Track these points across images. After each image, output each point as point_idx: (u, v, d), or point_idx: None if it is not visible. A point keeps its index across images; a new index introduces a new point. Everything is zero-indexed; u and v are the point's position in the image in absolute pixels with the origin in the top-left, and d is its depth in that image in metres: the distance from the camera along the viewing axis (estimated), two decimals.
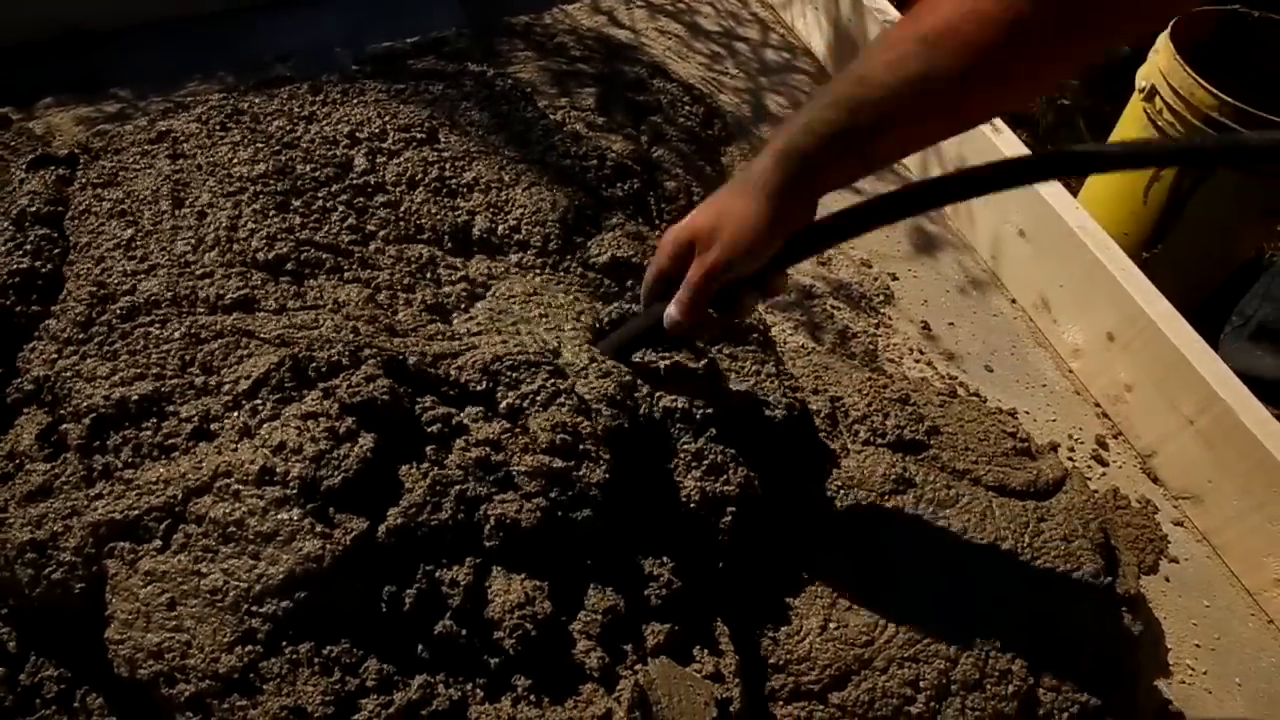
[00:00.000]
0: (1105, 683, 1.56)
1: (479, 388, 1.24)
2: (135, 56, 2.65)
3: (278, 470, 1.06)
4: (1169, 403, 2.03)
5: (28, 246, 1.34)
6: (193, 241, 1.30)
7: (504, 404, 1.23)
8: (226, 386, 1.17)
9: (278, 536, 1.03)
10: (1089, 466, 2.09)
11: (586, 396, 1.26)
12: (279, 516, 1.04)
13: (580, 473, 1.19)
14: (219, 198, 1.35)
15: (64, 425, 1.16)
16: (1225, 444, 1.93)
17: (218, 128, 1.50)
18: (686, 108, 2.43)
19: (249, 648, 1.02)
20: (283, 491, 1.05)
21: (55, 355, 1.20)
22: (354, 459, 1.08)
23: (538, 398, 1.24)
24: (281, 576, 1.02)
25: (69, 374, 1.18)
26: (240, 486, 1.06)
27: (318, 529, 1.04)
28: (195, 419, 1.15)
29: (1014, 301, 2.39)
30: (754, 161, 1.11)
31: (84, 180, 1.46)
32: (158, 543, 1.08)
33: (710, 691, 1.16)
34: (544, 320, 1.40)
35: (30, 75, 2.55)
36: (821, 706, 1.40)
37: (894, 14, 2.70)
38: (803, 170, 1.06)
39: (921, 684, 1.42)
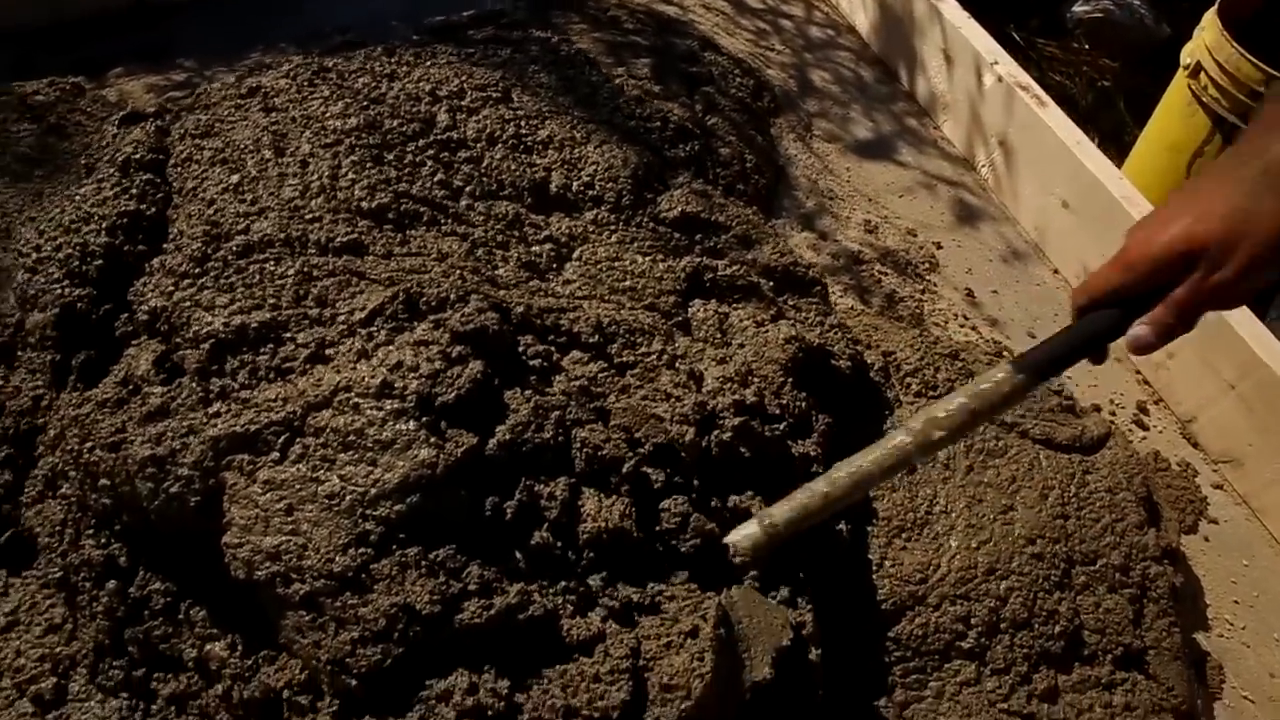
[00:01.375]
0: (1147, 627, 1.62)
1: (591, 340, 1.32)
2: (199, 28, 2.74)
3: (396, 385, 1.13)
4: (1210, 368, 2.08)
5: (133, 190, 1.42)
6: (299, 188, 1.38)
7: (617, 359, 1.31)
8: (341, 318, 1.24)
9: (394, 445, 1.11)
10: (1130, 430, 2.15)
11: (708, 380, 1.34)
12: (397, 427, 1.11)
13: (672, 430, 1.26)
14: (318, 148, 1.43)
15: (181, 352, 1.24)
16: (1266, 408, 1.98)
17: (306, 84, 1.58)
18: (737, 79, 2.49)
19: (362, 549, 1.09)
20: (400, 405, 1.12)
21: (172, 288, 1.28)
22: (465, 379, 1.16)
23: (650, 359, 1.32)
24: (396, 481, 1.10)
25: (187, 304, 1.26)
26: (360, 400, 1.13)
27: (432, 440, 1.11)
28: (312, 345, 1.23)
29: (1056, 272, 2.45)
30: (1258, 146, 0.90)
31: (181, 131, 1.55)
32: (275, 455, 1.15)
33: (786, 616, 1.23)
34: (635, 294, 1.47)
35: (101, 46, 2.65)
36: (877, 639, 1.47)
37: None
38: None
39: (972, 620, 1.49)
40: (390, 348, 1.19)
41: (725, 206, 1.68)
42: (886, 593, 1.48)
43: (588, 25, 2.57)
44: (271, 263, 1.30)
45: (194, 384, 1.22)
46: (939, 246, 2.43)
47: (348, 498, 1.11)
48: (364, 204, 1.41)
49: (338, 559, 1.09)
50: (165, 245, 1.37)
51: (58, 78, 2.42)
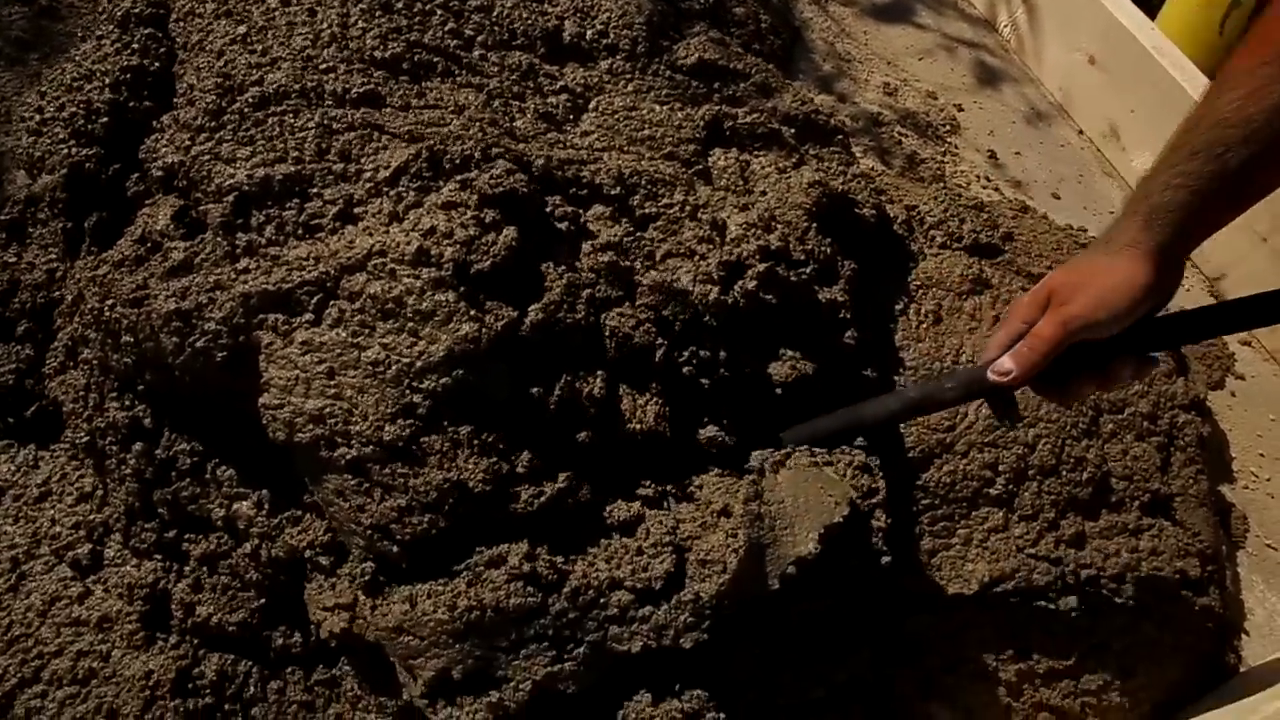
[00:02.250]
0: (1174, 474, 1.62)
1: (613, 192, 1.28)
2: None
3: (432, 252, 1.11)
4: (1242, 222, 2.01)
5: (135, 45, 1.37)
6: (310, 37, 1.33)
7: (639, 212, 1.28)
8: (367, 174, 1.21)
9: (435, 316, 1.09)
10: None
11: (731, 228, 1.32)
12: (436, 297, 1.09)
13: (695, 292, 1.24)
14: None
15: (203, 206, 1.21)
16: None
17: None
18: None
19: (410, 421, 1.08)
20: (438, 273, 1.10)
21: (188, 142, 1.24)
22: (500, 246, 1.13)
23: (672, 211, 1.29)
24: (442, 354, 1.08)
25: (206, 157, 1.22)
26: (396, 266, 1.11)
27: (472, 312, 1.09)
28: (340, 201, 1.20)
29: (1081, 132, 2.38)
30: (1111, 227, 1.06)
31: None
32: (310, 315, 1.13)
33: (845, 491, 1.22)
34: (654, 143, 1.43)
35: None
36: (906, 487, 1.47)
37: None
38: (1175, 227, 1.00)
39: (1000, 467, 1.48)
40: (420, 210, 1.16)
41: (743, 55, 1.62)
42: (914, 440, 1.47)
43: None
44: (290, 115, 1.25)
45: (218, 238, 1.19)
46: (960, 109, 2.37)
47: (393, 367, 1.09)
48: (377, 53, 1.36)
49: (387, 428, 1.08)
50: (176, 100, 1.32)
51: None
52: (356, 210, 1.20)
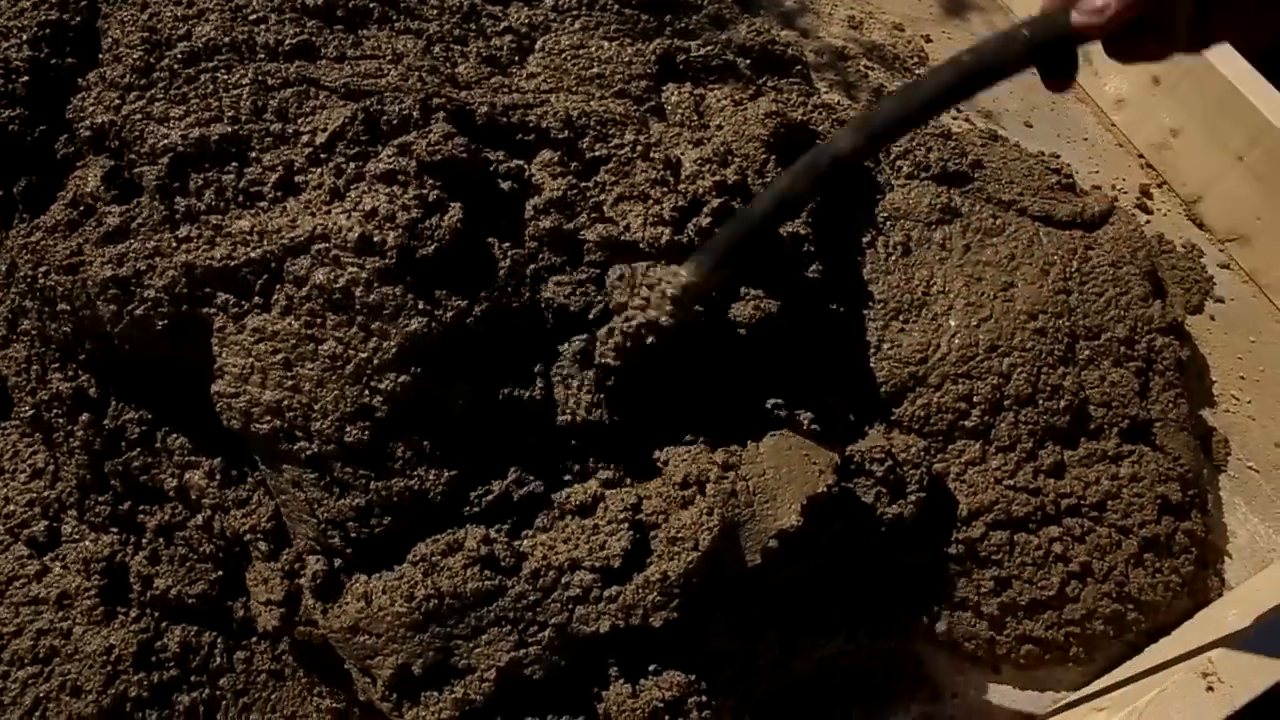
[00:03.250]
0: (1153, 400, 1.59)
1: (560, 135, 1.23)
2: None
3: (375, 239, 1.07)
4: (1217, 142, 1.99)
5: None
6: None
7: (589, 155, 1.24)
8: (305, 138, 1.16)
9: (384, 310, 1.06)
10: (1133, 215, 2.07)
11: (685, 165, 1.27)
12: (384, 289, 1.06)
13: (648, 233, 1.20)
14: None
15: (137, 168, 1.16)
16: (1278, 175, 1.90)
17: None
18: None
19: (369, 424, 1.07)
20: (383, 262, 1.06)
21: (118, 101, 1.19)
22: (445, 230, 1.09)
23: (623, 152, 1.24)
24: (394, 352, 1.06)
25: (138, 117, 1.17)
26: (340, 253, 1.07)
27: (421, 304, 1.07)
28: (279, 168, 1.15)
29: None
30: None
31: None
32: (259, 299, 1.10)
33: (830, 460, 1.18)
34: (604, 81, 1.38)
35: None
36: (879, 423, 1.43)
37: None
38: None
39: (975, 399, 1.45)
40: (361, 186, 1.11)
41: None
42: (885, 375, 1.44)
43: None
44: (222, 70, 1.20)
45: (155, 202, 1.14)
46: (928, 40, 2.31)
47: (350, 364, 1.06)
48: (308, 1, 1.31)
49: (348, 429, 1.06)
50: (101, 56, 1.26)
51: None
52: (297, 179, 1.15)
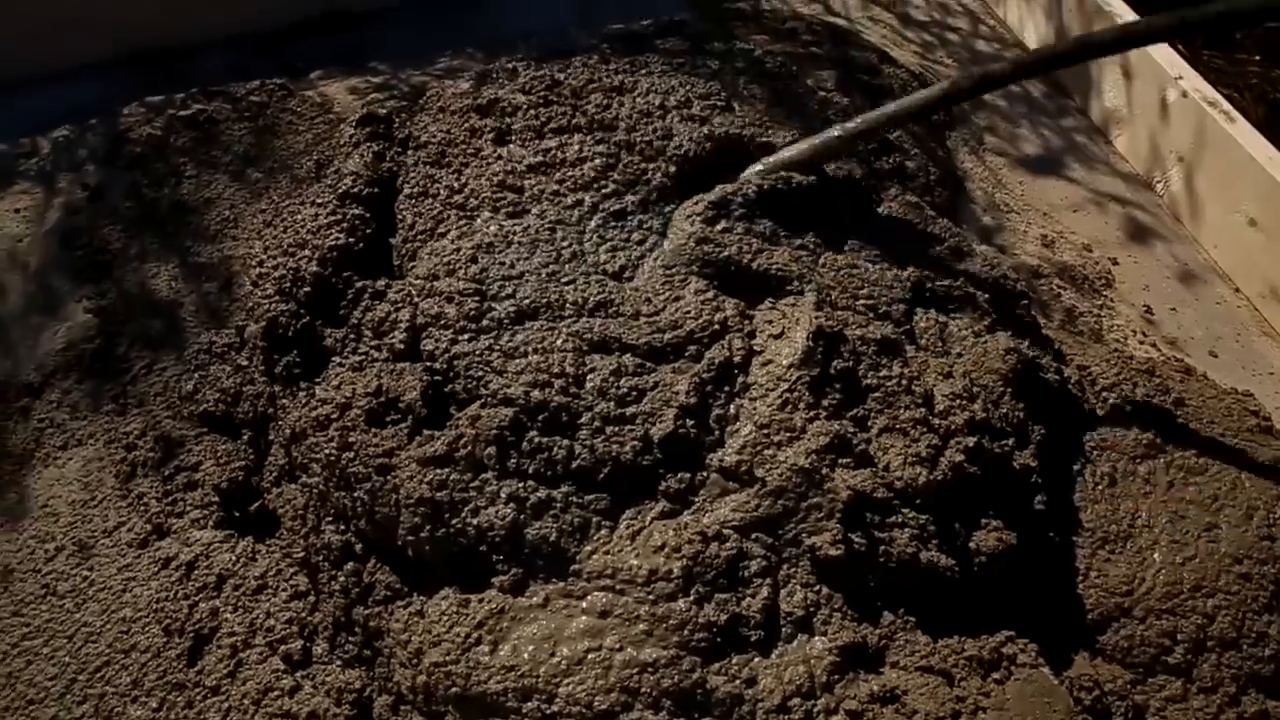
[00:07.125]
0: None
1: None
2: (387, 33, 2.89)
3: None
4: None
5: (344, 224, 1.59)
6: (552, 254, 1.50)
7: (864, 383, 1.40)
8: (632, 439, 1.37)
9: (669, 620, 1.25)
10: None
11: (938, 399, 1.43)
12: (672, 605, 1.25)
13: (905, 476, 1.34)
14: (561, 209, 1.55)
15: (473, 410, 1.36)
16: None
17: (540, 102, 1.67)
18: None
19: None
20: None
21: (452, 337, 1.42)
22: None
23: (890, 384, 1.42)
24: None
25: (477, 360, 1.40)
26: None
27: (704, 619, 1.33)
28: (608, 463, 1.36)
29: (1237, 290, 2.41)
30: None
31: (415, 158, 1.65)
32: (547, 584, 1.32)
33: (1066, 703, 1.26)
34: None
35: (299, 51, 2.82)
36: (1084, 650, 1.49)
37: (1124, 12, 2.72)
38: None
39: (1179, 636, 1.49)
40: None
41: (936, 218, 1.72)
42: (1092, 602, 1.50)
43: (768, 36, 2.64)
44: (547, 332, 1.42)
45: (487, 448, 1.33)
46: (1115, 262, 2.42)
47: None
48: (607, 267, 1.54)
49: None
50: (407, 271, 1.48)
51: (267, 79, 2.60)
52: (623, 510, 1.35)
